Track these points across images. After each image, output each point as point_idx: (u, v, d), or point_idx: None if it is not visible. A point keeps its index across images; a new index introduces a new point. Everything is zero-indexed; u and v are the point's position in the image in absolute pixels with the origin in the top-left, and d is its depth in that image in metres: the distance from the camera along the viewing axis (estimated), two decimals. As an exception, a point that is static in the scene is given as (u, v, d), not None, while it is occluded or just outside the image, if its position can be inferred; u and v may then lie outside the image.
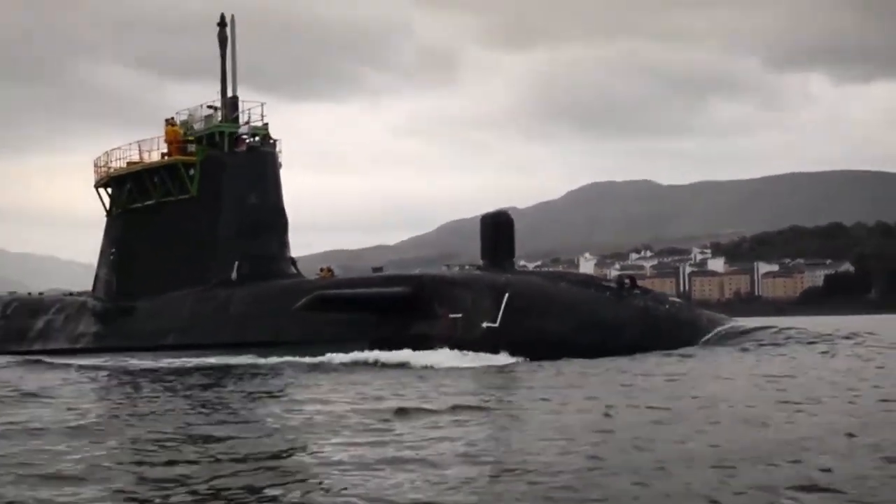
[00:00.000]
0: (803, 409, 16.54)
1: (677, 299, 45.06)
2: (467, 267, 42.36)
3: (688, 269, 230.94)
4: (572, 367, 27.86)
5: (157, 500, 10.80)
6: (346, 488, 11.07)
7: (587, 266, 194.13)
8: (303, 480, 11.76)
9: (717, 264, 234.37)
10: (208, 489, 11.35)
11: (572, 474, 11.24)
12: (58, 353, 44.05)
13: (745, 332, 33.41)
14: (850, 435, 13.39)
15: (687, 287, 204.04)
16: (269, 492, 11.16)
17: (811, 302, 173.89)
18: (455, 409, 18.50)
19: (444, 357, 31.91)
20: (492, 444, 14.52)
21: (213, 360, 36.25)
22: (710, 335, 33.08)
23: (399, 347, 33.29)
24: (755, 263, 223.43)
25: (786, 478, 10.66)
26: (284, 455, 14.01)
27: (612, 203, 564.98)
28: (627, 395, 19.70)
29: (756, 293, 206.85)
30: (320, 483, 11.53)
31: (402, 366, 31.02)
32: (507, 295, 34.72)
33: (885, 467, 11.19)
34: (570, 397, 20.23)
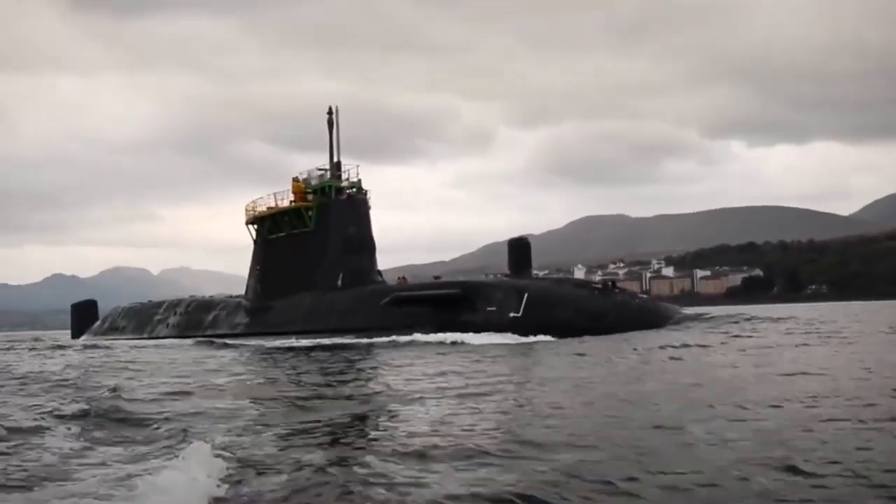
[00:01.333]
0: (735, 363, 16.10)
1: (645, 296, 44.58)
2: (499, 275, 41.95)
3: (649, 275, 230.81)
4: (572, 341, 27.73)
5: (282, 422, 10.86)
6: (416, 417, 11.32)
7: (579, 273, 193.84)
8: (391, 412, 11.88)
9: (668, 271, 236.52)
10: (325, 419, 11.44)
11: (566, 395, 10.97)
12: (221, 337, 44.35)
13: (691, 318, 33.32)
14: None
15: (648, 287, 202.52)
16: (367, 420, 11.50)
17: (733, 296, 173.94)
18: (493, 364, 18.77)
19: (483, 337, 31.62)
20: (518, 385, 14.75)
21: (325, 340, 36.23)
22: (670, 321, 32.75)
23: (452, 330, 33.02)
24: (694, 270, 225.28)
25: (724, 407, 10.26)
26: (377, 394, 14.38)
27: (598, 230, 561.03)
28: (607, 357, 19.44)
29: (695, 290, 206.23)
30: (398, 414, 11.76)
31: (455, 343, 30.76)
32: (526, 294, 34.42)
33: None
34: (570, 357, 20.76)
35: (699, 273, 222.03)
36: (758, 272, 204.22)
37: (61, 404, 13.15)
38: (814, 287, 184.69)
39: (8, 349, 42.79)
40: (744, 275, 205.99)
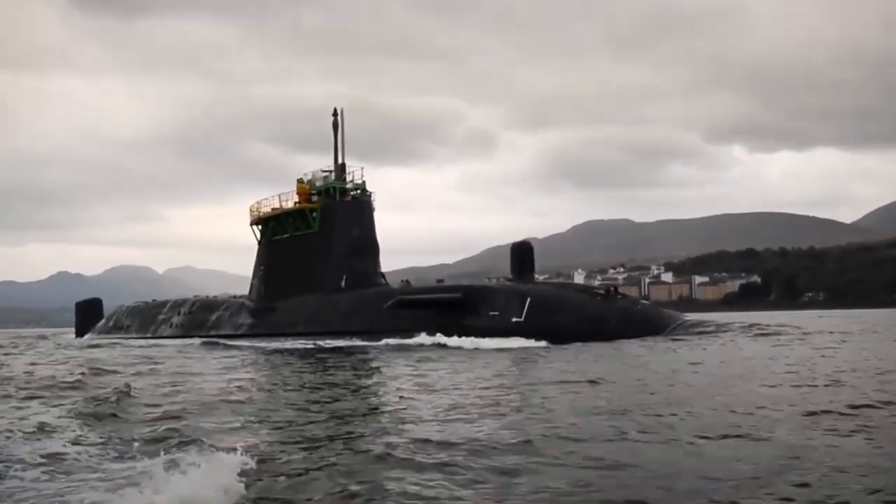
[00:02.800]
0: (738, 373, 16.07)
1: (646, 301, 44.42)
2: (502, 279, 41.90)
3: (647, 280, 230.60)
4: (573, 347, 27.62)
5: (281, 421, 11.09)
6: (416, 410, 11.67)
7: (578, 278, 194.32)
8: (390, 410, 12.32)
9: (667, 277, 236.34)
10: (324, 416, 11.77)
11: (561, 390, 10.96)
12: (225, 337, 44.37)
13: (693, 325, 32.93)
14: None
15: (647, 292, 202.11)
16: (368, 416, 11.92)
17: (730, 302, 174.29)
18: (495, 366, 18.71)
19: (486, 341, 31.56)
20: (516, 386, 14.79)
21: (328, 342, 36.20)
22: (670, 327, 32.57)
23: (454, 334, 32.96)
24: (692, 276, 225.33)
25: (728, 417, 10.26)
26: (377, 393, 14.86)
27: (602, 234, 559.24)
28: (605, 362, 19.36)
29: (693, 297, 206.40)
30: (401, 410, 12.18)
31: (457, 347, 30.71)
32: (528, 299, 34.35)
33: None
34: (568, 362, 20.67)
35: (697, 279, 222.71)
36: (755, 279, 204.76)
37: (71, 405, 13.19)
38: (810, 294, 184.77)
39: (14, 346, 42.91)
40: (742, 281, 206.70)
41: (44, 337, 65.06)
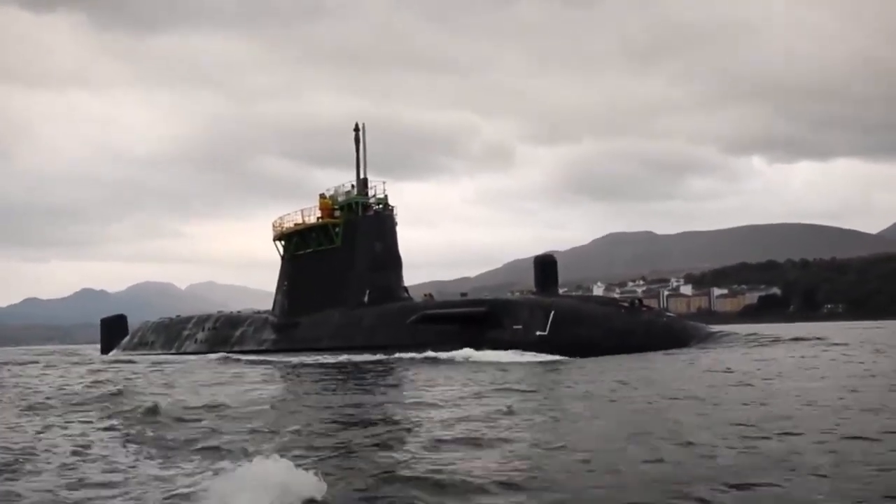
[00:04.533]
0: (761, 385, 15.93)
1: (672, 314, 44.08)
2: (525, 292, 41.77)
3: (666, 293, 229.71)
4: (599, 360, 27.38)
5: (308, 435, 11.09)
6: (435, 425, 11.90)
7: (598, 291, 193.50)
8: (409, 429, 12.09)
9: (686, 289, 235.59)
10: (344, 431, 11.85)
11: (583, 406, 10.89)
12: (249, 353, 44.57)
13: (718, 337, 32.44)
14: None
15: (666, 304, 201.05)
16: (387, 429, 12.03)
17: (748, 315, 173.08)
18: (521, 384, 18.67)
19: (510, 355, 31.45)
20: (541, 404, 14.72)
21: (352, 357, 36.22)
22: (696, 340, 32.20)
23: (480, 348, 32.87)
24: (711, 289, 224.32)
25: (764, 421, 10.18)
26: (400, 411, 14.65)
27: (624, 247, 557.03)
28: (630, 377, 19.23)
29: (711, 309, 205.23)
30: (421, 427, 12.15)
31: (482, 361, 30.53)
32: (552, 312, 34.21)
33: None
34: (594, 377, 20.46)
35: (716, 291, 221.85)
36: (775, 291, 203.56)
37: (110, 419, 13.42)
38: (830, 306, 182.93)
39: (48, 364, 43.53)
40: (761, 293, 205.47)
41: (73, 353, 65.73)
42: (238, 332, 49.74)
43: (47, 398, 19.32)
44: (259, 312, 52.76)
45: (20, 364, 45.47)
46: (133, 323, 68.92)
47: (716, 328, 36.68)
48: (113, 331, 67.61)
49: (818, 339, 31.84)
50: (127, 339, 64.51)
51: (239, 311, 57.15)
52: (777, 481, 7.68)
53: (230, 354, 44.69)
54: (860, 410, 12.25)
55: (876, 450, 9.09)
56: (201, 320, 55.96)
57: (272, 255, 49.42)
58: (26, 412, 16.10)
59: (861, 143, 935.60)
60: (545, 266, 38.65)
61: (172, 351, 53.56)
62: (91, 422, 13.55)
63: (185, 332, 55.57)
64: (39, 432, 12.63)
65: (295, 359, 37.60)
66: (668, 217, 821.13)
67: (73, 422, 13.78)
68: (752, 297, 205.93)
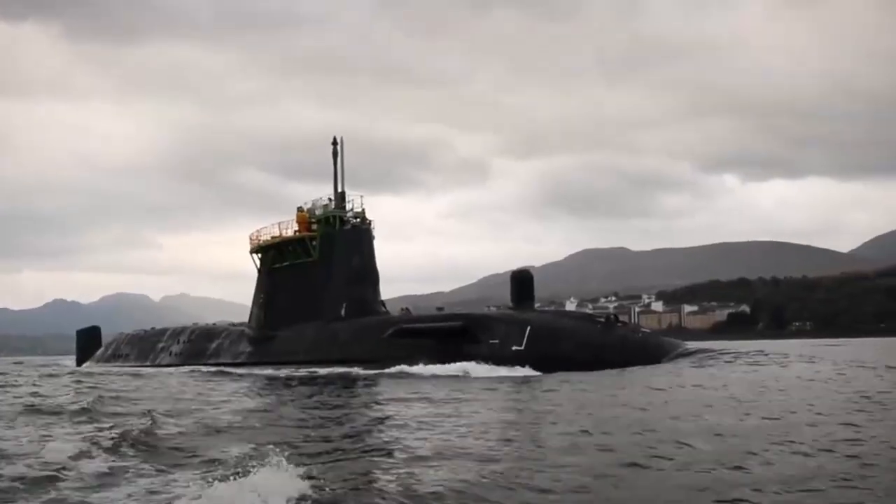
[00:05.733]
0: (732, 400, 16.16)
1: (647, 329, 44.40)
2: (501, 307, 41.96)
3: (637, 309, 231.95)
4: (572, 375, 27.43)
5: (285, 448, 11.10)
6: (413, 439, 12.11)
7: (570, 306, 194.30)
8: (386, 441, 12.33)
9: (658, 306, 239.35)
10: (323, 441, 12.24)
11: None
12: (224, 366, 44.28)
13: (693, 353, 32.80)
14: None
15: (637, 321, 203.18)
16: (365, 442, 12.23)
17: (718, 331, 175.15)
18: (496, 398, 18.68)
19: (486, 369, 31.54)
20: (518, 416, 14.97)
21: (328, 370, 36.12)
22: (669, 356, 32.50)
23: (455, 362, 32.92)
24: (682, 305, 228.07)
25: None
26: (375, 425, 14.76)
27: (598, 262, 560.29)
28: (610, 393, 19.40)
29: (682, 325, 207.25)
30: (397, 441, 12.27)
31: (456, 375, 30.63)
32: (529, 327, 34.38)
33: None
34: (572, 393, 20.57)
35: (686, 308, 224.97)
36: (744, 308, 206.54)
37: (93, 434, 13.32)
38: (798, 324, 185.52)
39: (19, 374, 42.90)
40: (730, 310, 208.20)
41: (44, 365, 64.84)
42: (214, 345, 49.41)
43: (28, 406, 19.13)
44: (235, 325, 52.50)
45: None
46: (106, 335, 68.22)
47: (691, 345, 37.02)
48: (87, 342, 66.88)
49: (783, 355, 32.23)
50: (101, 350, 63.83)
51: (214, 324, 56.80)
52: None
53: (205, 367, 44.37)
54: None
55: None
56: (176, 333, 55.53)
57: (248, 267, 49.30)
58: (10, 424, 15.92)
59: (834, 162, 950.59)
60: (522, 282, 38.88)
61: (147, 363, 53.06)
62: (70, 434, 13.42)
63: (161, 345, 55.08)
64: (18, 446, 12.47)
65: (271, 371, 37.44)
66: (642, 233, 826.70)
67: (51, 435, 13.64)
68: (721, 315, 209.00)
